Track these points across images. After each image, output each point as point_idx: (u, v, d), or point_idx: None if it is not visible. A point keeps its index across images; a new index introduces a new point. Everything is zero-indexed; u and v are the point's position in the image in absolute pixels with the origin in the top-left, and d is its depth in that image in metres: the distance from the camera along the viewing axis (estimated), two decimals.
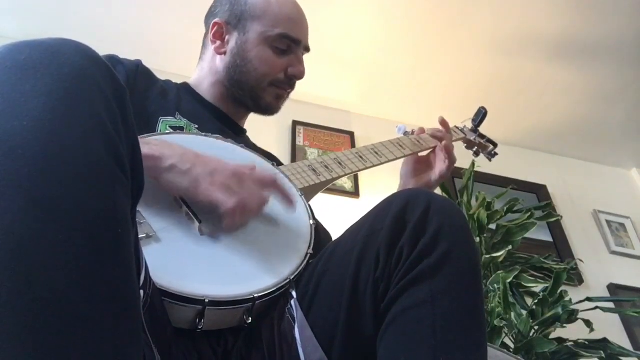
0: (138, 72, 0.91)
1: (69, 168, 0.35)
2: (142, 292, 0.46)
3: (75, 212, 0.34)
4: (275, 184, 0.70)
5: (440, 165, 1.01)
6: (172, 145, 0.66)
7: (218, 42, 0.97)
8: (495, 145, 1.25)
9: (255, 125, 1.11)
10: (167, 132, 0.83)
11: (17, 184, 0.33)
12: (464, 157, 1.31)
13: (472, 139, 1.22)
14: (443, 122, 1.09)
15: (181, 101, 0.94)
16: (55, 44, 0.41)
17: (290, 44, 0.96)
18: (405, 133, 1.09)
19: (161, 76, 0.99)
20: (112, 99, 0.42)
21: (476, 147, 1.24)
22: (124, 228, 0.38)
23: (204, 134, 0.83)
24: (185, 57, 1.28)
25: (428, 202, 0.60)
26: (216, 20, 0.98)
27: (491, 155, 1.25)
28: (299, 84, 1.00)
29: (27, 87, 0.37)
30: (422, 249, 0.57)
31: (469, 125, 1.23)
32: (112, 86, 0.43)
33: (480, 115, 1.21)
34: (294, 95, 1.03)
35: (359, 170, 0.96)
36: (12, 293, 0.31)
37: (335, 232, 1.04)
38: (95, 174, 0.37)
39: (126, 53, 0.96)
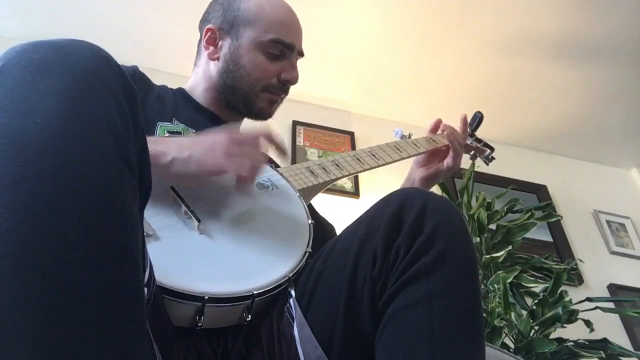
0: (135, 78, 0.92)
1: (79, 166, 0.36)
2: (145, 289, 0.47)
3: (85, 209, 0.35)
4: (269, 136, 0.73)
5: (448, 159, 1.07)
6: (165, 140, 0.68)
7: (211, 48, 0.98)
8: (492, 149, 1.25)
9: (256, 125, 1.11)
10: (165, 136, 0.84)
11: (28, 180, 0.34)
12: (463, 158, 1.31)
13: (468, 143, 1.22)
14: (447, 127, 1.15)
15: (178, 107, 0.94)
16: (69, 44, 0.42)
17: (283, 49, 0.95)
18: (402, 136, 1.10)
19: (161, 75, 1.00)
20: (122, 99, 0.43)
21: (473, 151, 1.24)
22: (132, 226, 0.38)
23: None
24: (185, 57, 1.28)
25: (424, 201, 0.60)
26: (209, 26, 0.98)
27: (488, 160, 1.25)
28: (299, 84, 1.00)
29: (42, 85, 0.38)
30: (419, 247, 0.57)
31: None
32: (123, 87, 0.44)
33: (477, 120, 1.22)
34: (294, 95, 1.03)
35: (357, 172, 0.97)
36: (20, 288, 0.31)
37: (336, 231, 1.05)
38: (105, 172, 0.37)
39: (126, 53, 0.97)
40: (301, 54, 1.00)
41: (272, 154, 0.78)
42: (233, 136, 0.69)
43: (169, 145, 0.66)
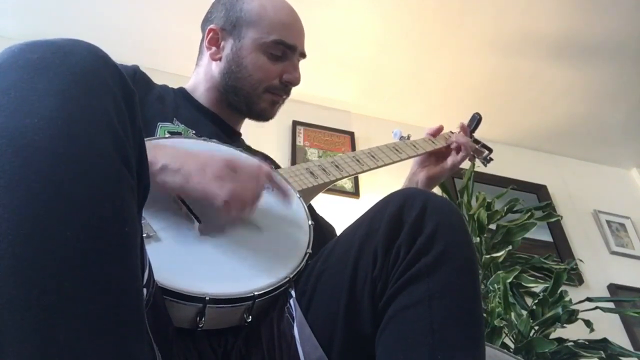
0: (136, 78, 0.92)
1: (78, 166, 0.36)
2: (145, 290, 0.47)
3: (84, 209, 0.35)
4: (269, 175, 0.70)
5: (453, 157, 1.08)
6: (164, 147, 0.67)
7: (213, 48, 0.98)
8: (490, 150, 1.25)
9: (256, 125, 1.11)
10: (166, 136, 0.83)
11: (27, 180, 0.34)
12: None
13: None
14: (462, 127, 1.18)
15: (178, 107, 0.94)
16: (67, 44, 0.42)
17: (285, 50, 0.95)
18: (401, 138, 1.11)
19: (161, 76, 1.00)
20: (121, 99, 0.43)
21: (471, 152, 1.24)
22: (130, 227, 0.38)
23: (202, 138, 0.84)
24: (186, 57, 1.28)
25: (425, 201, 0.60)
26: (211, 26, 0.98)
27: (486, 161, 1.25)
28: (299, 84, 1.00)
29: (40, 85, 0.38)
30: (419, 248, 0.57)
31: None
32: (121, 87, 0.43)
33: (475, 121, 1.22)
34: (294, 95, 1.03)
35: (356, 174, 0.97)
36: (20, 288, 0.31)
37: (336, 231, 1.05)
38: (103, 172, 0.37)
39: (126, 53, 0.97)
40: (303, 55, 1.00)
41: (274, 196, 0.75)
42: (230, 161, 0.65)
43: (164, 152, 0.64)
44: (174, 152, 0.65)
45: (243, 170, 0.66)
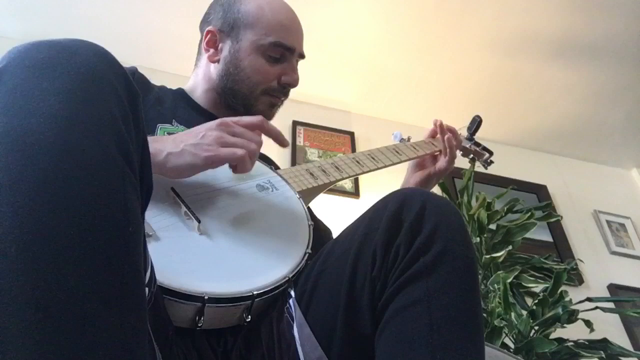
0: (134, 80, 0.91)
1: (82, 166, 0.36)
2: (147, 289, 0.47)
3: (87, 209, 0.35)
4: (264, 124, 0.72)
5: (441, 161, 1.07)
6: (159, 138, 0.68)
7: (211, 50, 0.97)
8: (491, 153, 1.25)
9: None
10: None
11: (31, 179, 0.34)
12: (464, 158, 1.32)
13: (467, 146, 1.23)
14: (449, 128, 1.15)
15: (177, 108, 0.94)
16: (73, 45, 0.42)
17: (283, 52, 0.95)
18: (402, 140, 1.11)
19: (161, 76, 1.00)
20: (125, 100, 0.43)
21: (472, 155, 1.24)
22: (134, 226, 0.38)
23: None
24: (185, 57, 1.28)
25: (424, 201, 0.60)
26: (209, 28, 0.97)
27: (487, 163, 1.25)
28: (299, 84, 1.00)
29: (45, 85, 0.38)
30: (418, 247, 0.57)
31: (464, 133, 1.24)
32: (126, 88, 0.44)
33: (475, 124, 1.22)
34: (294, 95, 1.03)
35: (356, 175, 0.97)
36: (22, 287, 0.31)
37: (336, 232, 1.05)
38: (107, 172, 0.37)
39: (125, 52, 0.97)
40: (302, 56, 0.99)
41: (271, 146, 0.77)
42: (225, 124, 0.68)
43: (164, 142, 0.66)
44: (173, 138, 0.67)
45: (237, 126, 0.69)
